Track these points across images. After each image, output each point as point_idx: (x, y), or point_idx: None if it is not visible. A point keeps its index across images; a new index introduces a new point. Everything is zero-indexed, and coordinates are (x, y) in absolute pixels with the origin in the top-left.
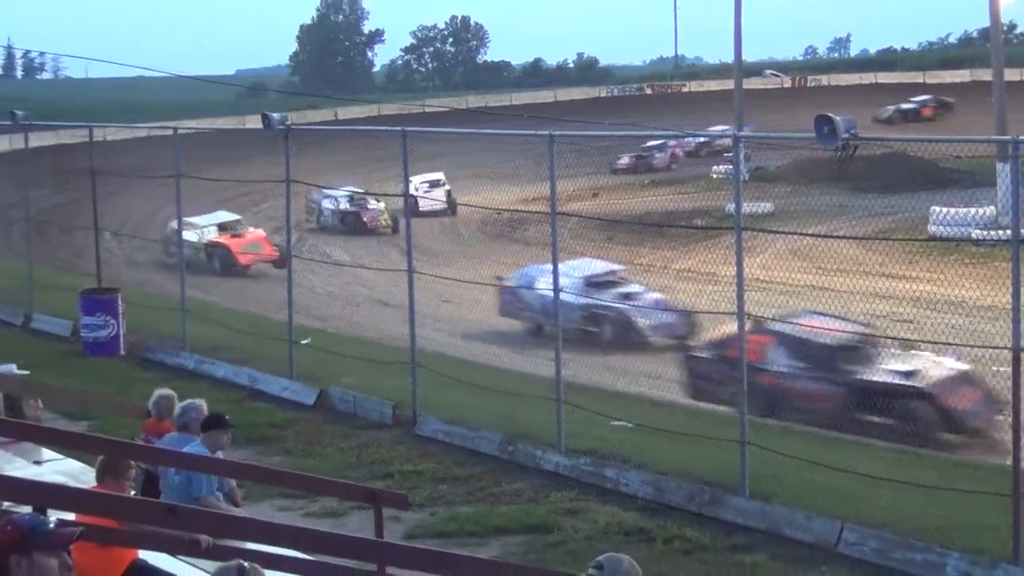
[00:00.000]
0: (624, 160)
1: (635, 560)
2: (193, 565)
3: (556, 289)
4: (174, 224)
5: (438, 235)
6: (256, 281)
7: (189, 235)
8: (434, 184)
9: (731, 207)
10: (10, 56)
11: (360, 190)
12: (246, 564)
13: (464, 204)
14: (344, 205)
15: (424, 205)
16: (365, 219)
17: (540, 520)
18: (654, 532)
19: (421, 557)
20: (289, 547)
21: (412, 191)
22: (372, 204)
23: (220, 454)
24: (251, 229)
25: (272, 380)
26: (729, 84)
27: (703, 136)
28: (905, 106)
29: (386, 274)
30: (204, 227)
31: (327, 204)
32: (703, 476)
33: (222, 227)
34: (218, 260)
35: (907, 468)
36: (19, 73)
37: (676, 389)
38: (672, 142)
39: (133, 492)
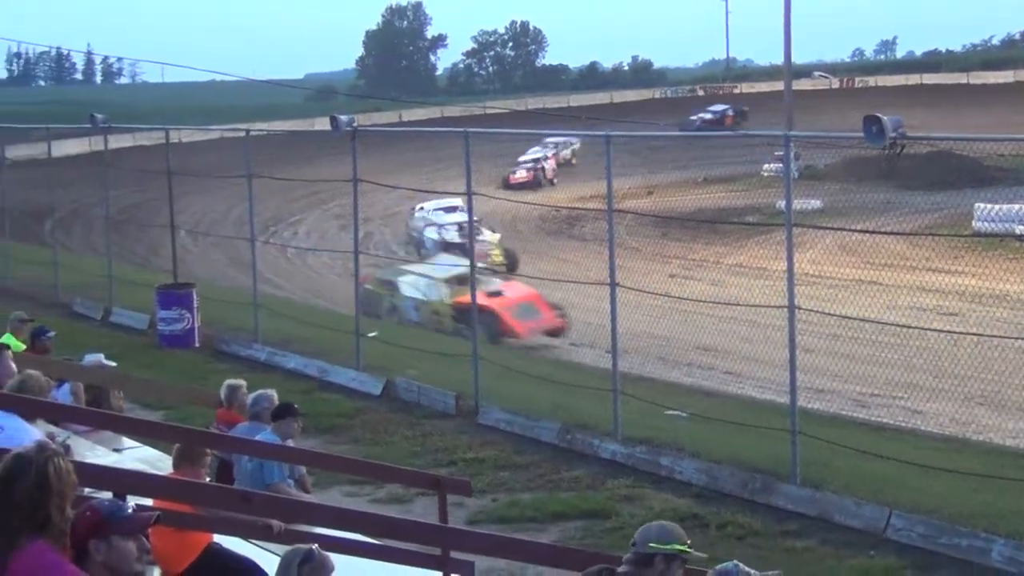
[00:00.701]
0: (521, 173)
1: (692, 544)
2: (265, 549)
3: (612, 283)
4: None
5: (499, 231)
6: (323, 276)
7: (430, 233)
8: (450, 210)
9: (781, 204)
10: (90, 61)
11: (461, 213)
12: (314, 547)
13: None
14: (452, 235)
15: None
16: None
17: (598, 506)
18: (708, 518)
19: (484, 542)
20: (357, 532)
21: (429, 216)
22: (484, 235)
23: (291, 442)
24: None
25: (340, 371)
26: (779, 85)
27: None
28: (707, 116)
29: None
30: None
31: (430, 234)
32: (755, 464)
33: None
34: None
35: (954, 456)
36: (98, 78)
37: (729, 380)
38: (551, 151)
39: (208, 479)
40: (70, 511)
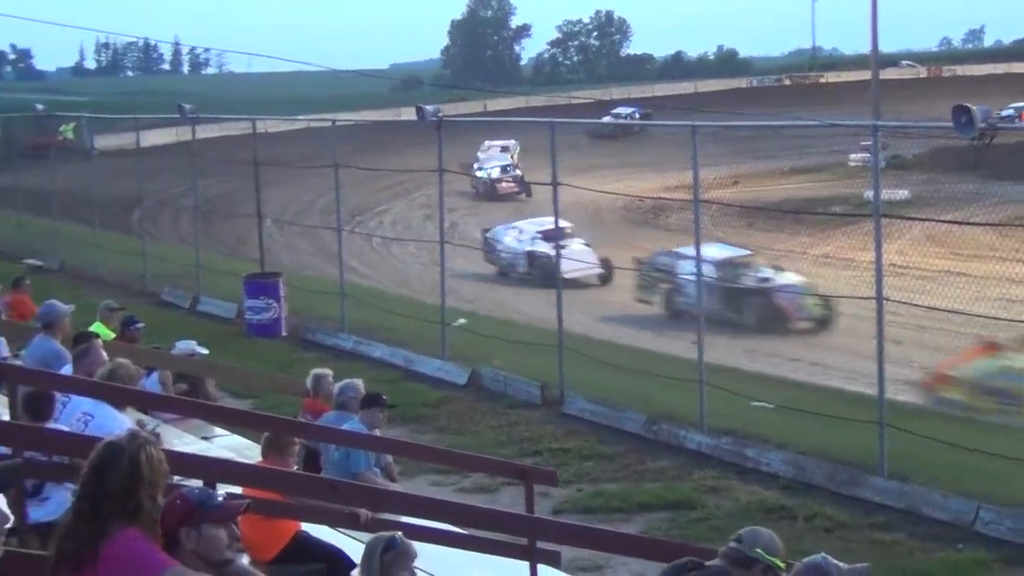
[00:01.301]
0: (507, 183)
1: (779, 536)
2: (351, 537)
3: (699, 274)
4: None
5: (583, 222)
6: (408, 266)
7: (510, 241)
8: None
9: (869, 194)
10: (177, 52)
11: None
12: (397, 535)
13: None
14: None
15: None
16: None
17: (683, 497)
18: (795, 510)
19: (570, 532)
20: (443, 521)
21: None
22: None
23: (377, 431)
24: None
25: (426, 361)
26: (866, 75)
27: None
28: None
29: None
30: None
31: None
32: (842, 456)
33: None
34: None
35: None
36: (185, 68)
37: (816, 371)
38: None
39: (296, 467)
40: (161, 499)
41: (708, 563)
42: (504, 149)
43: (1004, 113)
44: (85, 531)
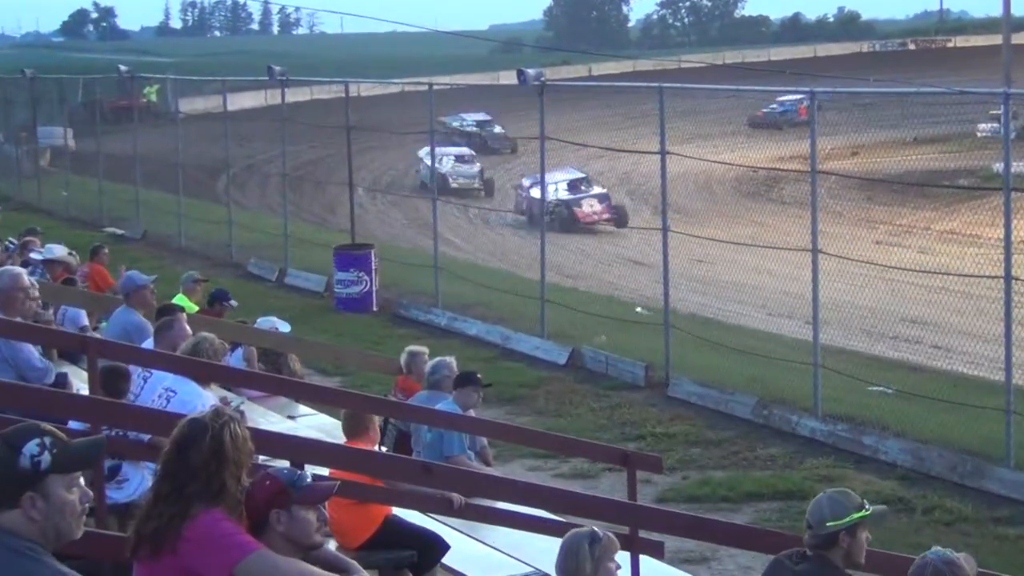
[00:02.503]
0: (594, 205)
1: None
2: (441, 522)
3: (815, 250)
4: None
5: (692, 193)
6: (505, 238)
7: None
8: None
9: (998, 166)
10: (267, 11)
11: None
12: (596, 529)
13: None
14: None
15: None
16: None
17: (795, 486)
18: (914, 502)
19: (676, 521)
20: (541, 508)
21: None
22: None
23: (472, 412)
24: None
25: (524, 339)
26: (997, 39)
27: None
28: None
29: (639, 232)
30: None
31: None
32: (965, 445)
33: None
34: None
35: None
36: (275, 28)
37: (937, 355)
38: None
39: (384, 448)
40: (246, 480)
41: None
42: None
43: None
44: (167, 512)
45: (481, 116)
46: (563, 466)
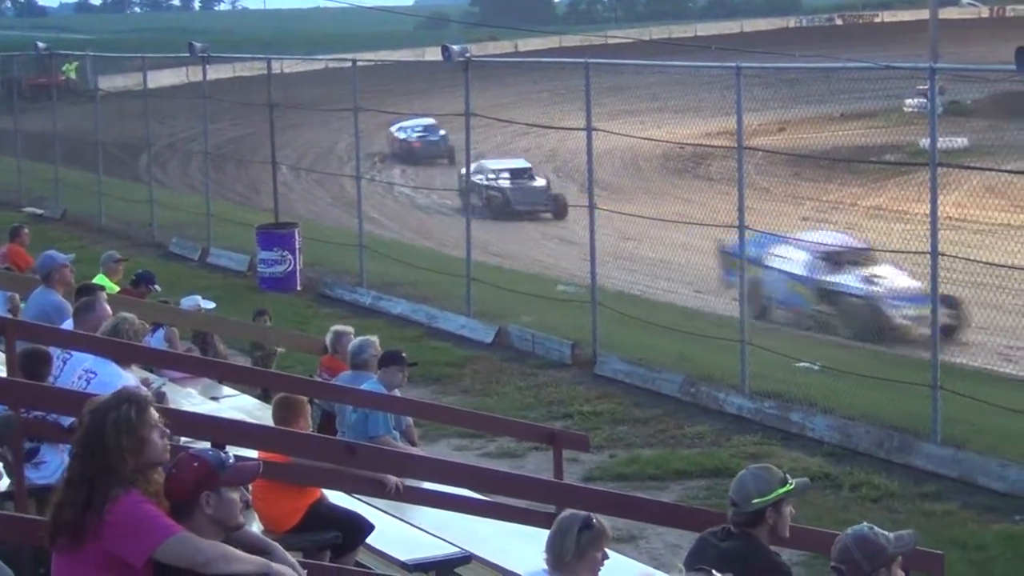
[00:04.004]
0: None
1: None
2: (369, 504)
3: (742, 226)
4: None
5: (619, 170)
6: (432, 216)
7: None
8: (428, 128)
9: (924, 142)
10: None
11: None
12: (591, 515)
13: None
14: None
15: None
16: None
17: (722, 464)
18: (841, 478)
19: (603, 500)
20: (467, 487)
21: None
22: (539, 180)
23: (397, 392)
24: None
25: (450, 317)
26: (923, 14)
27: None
28: None
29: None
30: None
31: (478, 179)
32: (892, 421)
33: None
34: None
35: None
36: (196, 4)
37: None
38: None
39: (311, 431)
40: (158, 458)
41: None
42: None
43: None
44: (80, 498)
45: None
46: (490, 445)
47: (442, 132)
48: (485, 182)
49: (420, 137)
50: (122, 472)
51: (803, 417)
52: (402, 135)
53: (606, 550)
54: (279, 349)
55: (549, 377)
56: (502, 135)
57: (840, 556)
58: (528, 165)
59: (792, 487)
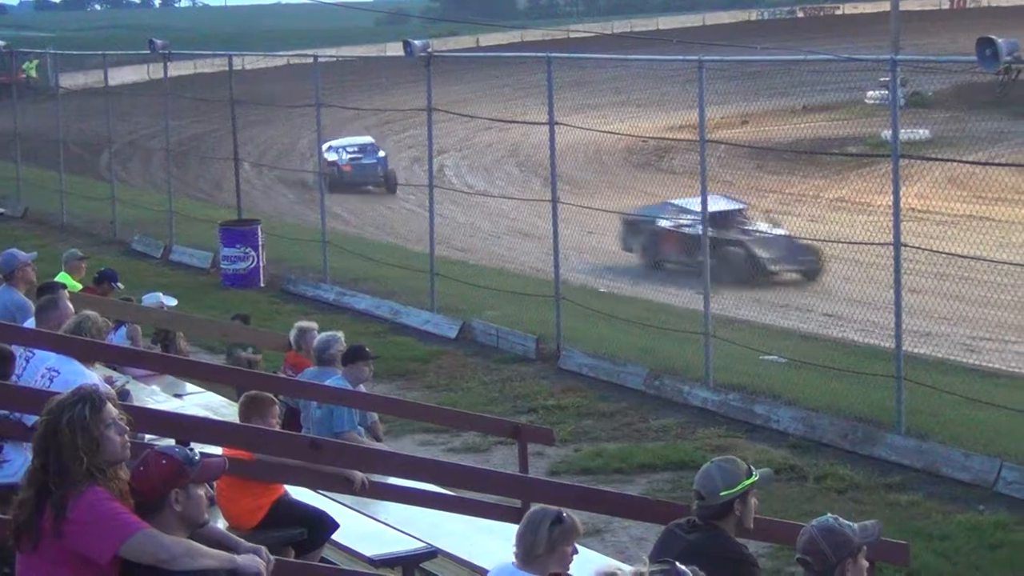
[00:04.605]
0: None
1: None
2: (334, 500)
3: (704, 220)
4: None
5: (582, 164)
6: (395, 211)
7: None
8: (364, 149)
9: (886, 134)
10: None
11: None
12: (562, 510)
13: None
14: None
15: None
16: None
17: (687, 457)
18: (806, 470)
19: (568, 494)
20: (432, 482)
21: (335, 156)
22: (380, 152)
23: (362, 387)
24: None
25: (414, 313)
26: (885, 6)
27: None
28: None
29: (529, 204)
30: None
31: (330, 157)
32: (857, 412)
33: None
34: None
35: None
36: (157, 1)
37: (829, 323)
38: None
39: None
40: (118, 455)
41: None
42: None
43: None
44: (40, 498)
45: (365, 140)
46: (455, 440)
47: (381, 154)
48: (332, 159)
49: (352, 160)
50: (79, 470)
51: (768, 409)
52: (332, 156)
53: (576, 545)
54: (258, 357)
55: (513, 372)
56: (464, 130)
57: (806, 547)
58: (371, 141)
59: (756, 478)
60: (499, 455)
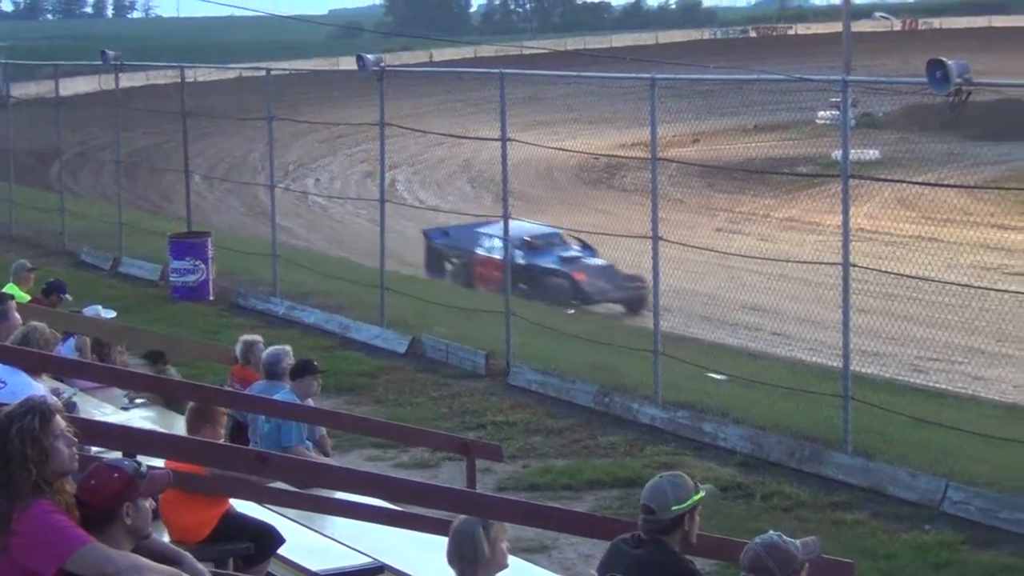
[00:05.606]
0: None
1: (735, 515)
2: (279, 513)
3: (655, 237)
4: None
5: (533, 181)
6: (345, 225)
7: None
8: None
9: (837, 154)
10: None
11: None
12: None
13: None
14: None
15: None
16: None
17: (635, 474)
18: (752, 488)
19: (515, 509)
20: (380, 497)
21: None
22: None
23: (310, 402)
24: None
25: (363, 327)
26: (837, 27)
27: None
28: None
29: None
30: None
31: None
32: (804, 431)
33: None
34: None
35: (1017, 425)
36: (110, 11)
37: (777, 342)
38: None
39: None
40: (65, 468)
41: (642, 538)
42: None
43: None
44: None
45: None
46: (403, 455)
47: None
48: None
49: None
50: (27, 483)
51: (716, 427)
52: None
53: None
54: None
55: (463, 387)
56: (416, 145)
57: (752, 564)
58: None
59: (704, 494)
60: (447, 471)
